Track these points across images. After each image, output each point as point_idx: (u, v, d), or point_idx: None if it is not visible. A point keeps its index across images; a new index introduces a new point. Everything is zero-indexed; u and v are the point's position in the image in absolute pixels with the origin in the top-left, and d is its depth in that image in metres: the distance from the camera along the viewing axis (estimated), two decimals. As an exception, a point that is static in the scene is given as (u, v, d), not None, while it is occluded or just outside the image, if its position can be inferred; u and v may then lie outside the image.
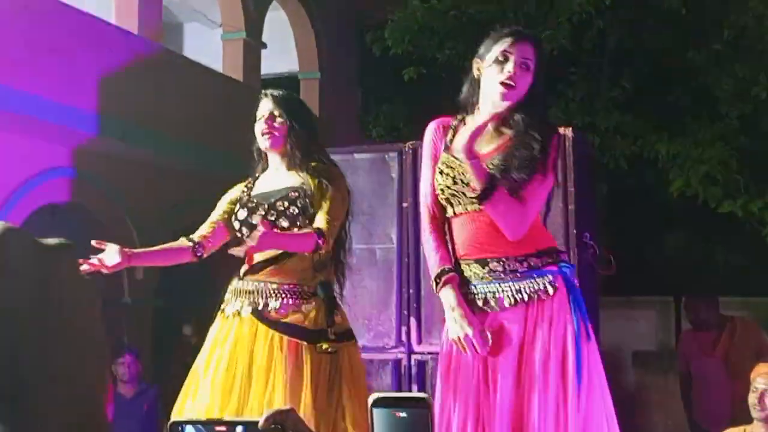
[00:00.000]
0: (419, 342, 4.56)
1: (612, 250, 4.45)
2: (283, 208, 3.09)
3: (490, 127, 2.68)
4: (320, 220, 3.03)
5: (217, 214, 3.27)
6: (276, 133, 3.17)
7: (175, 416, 2.94)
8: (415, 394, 1.81)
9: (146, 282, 9.00)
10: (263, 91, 3.31)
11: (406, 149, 4.71)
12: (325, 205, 3.06)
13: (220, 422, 1.19)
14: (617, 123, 9.48)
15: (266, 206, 3.11)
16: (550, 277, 2.60)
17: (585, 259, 4.30)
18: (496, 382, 2.57)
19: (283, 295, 3.04)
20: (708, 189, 8.99)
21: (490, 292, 2.64)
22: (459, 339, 2.60)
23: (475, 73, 2.73)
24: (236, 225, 3.19)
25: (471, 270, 2.66)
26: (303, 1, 11.69)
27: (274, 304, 3.03)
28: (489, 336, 2.58)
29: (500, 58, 2.65)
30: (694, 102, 9.79)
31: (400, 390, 4.57)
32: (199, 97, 9.22)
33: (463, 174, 2.66)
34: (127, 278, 8.82)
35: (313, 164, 3.17)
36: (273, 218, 3.07)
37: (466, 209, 2.67)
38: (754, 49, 9.14)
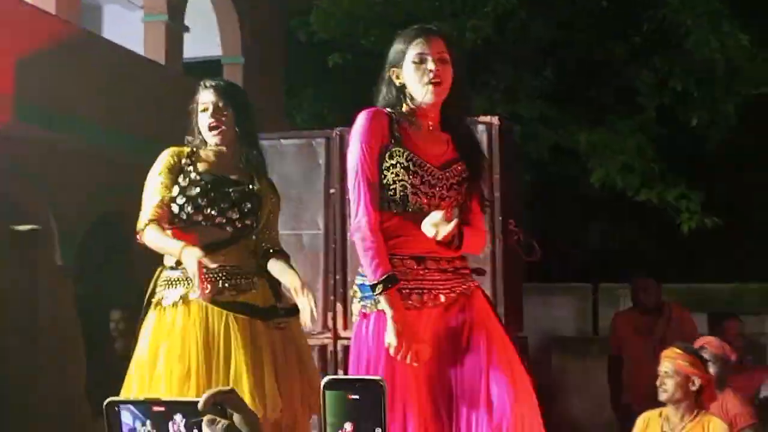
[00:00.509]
0: (345, 327, 4.62)
1: (536, 237, 4.59)
2: (237, 200, 3.12)
3: (430, 125, 2.77)
4: (277, 242, 3.28)
5: (157, 196, 3.09)
6: (223, 126, 3.16)
7: None
8: (370, 376, 1.85)
9: (64, 269, 8.85)
10: (203, 82, 3.23)
11: (334, 135, 4.76)
12: (276, 227, 3.30)
13: (158, 402, 1.16)
14: (540, 113, 9.69)
15: (221, 192, 3.10)
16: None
17: (510, 245, 4.43)
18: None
19: (230, 276, 3.08)
20: (626, 178, 9.28)
21: (426, 289, 2.69)
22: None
23: (395, 81, 2.76)
24: (180, 200, 3.07)
25: (405, 265, 2.69)
26: (227, -16, 11.59)
27: (222, 285, 3.05)
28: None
29: (416, 60, 2.71)
30: (615, 93, 10.07)
31: (326, 375, 4.64)
32: (119, 80, 9.07)
33: (432, 178, 2.70)
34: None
35: (258, 165, 3.22)
36: (225, 207, 3.09)
37: (420, 209, 2.67)
38: (670, 43, 9.46)
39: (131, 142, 8.78)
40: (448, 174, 2.72)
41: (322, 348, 4.68)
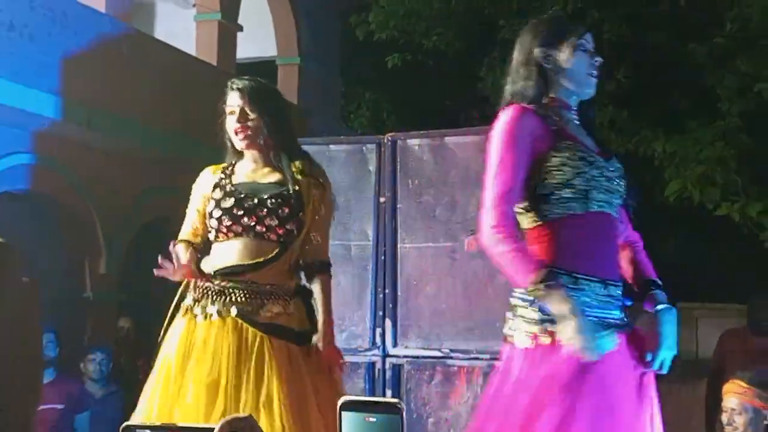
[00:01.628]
0: (394, 345, 4.60)
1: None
2: (274, 206, 3.12)
3: (575, 120, 2.65)
4: (322, 250, 3.21)
5: (195, 215, 3.24)
6: (249, 132, 3.17)
7: (142, 418, 2.96)
8: (387, 398, 1.83)
9: (109, 276, 9.00)
10: (230, 83, 3.22)
11: (385, 141, 4.74)
12: (322, 231, 3.22)
13: (174, 428, 1.25)
14: (612, 118, 9.55)
15: (256, 200, 3.12)
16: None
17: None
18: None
19: (268, 296, 3.09)
20: (705, 190, 9.07)
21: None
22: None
23: (543, 63, 2.60)
24: (216, 213, 3.14)
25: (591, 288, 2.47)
26: (283, -18, 11.70)
27: (259, 304, 3.07)
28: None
29: (586, 48, 2.62)
30: (694, 98, 9.87)
31: (374, 395, 4.61)
32: (169, 81, 9.22)
33: (606, 171, 2.57)
34: (89, 272, 8.83)
35: (297, 163, 3.19)
36: (263, 214, 3.11)
37: (602, 208, 2.52)
38: (757, 43, 9.22)
39: (180, 144, 8.90)
40: (611, 167, 2.59)
41: (370, 366, 4.66)
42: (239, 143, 3.20)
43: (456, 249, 4.52)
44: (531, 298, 2.43)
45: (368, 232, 4.71)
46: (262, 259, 3.09)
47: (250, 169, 3.24)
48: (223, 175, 3.23)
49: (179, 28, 11.07)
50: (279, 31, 12.02)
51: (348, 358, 4.65)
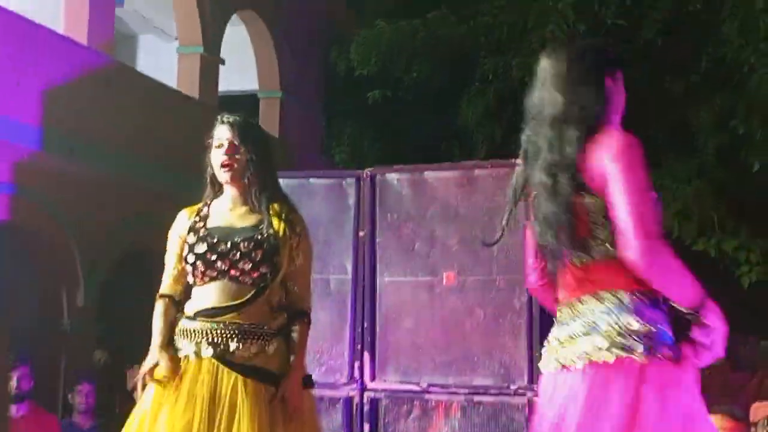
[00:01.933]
0: (372, 379, 4.58)
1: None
2: (247, 250, 3.10)
3: None
4: (300, 298, 3.22)
5: (174, 259, 3.23)
6: (236, 165, 3.16)
7: None
8: None
9: (87, 308, 8.94)
10: (221, 117, 3.24)
11: (365, 175, 4.75)
12: (299, 280, 3.22)
13: None
14: (590, 153, 9.60)
15: (229, 244, 3.11)
16: None
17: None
18: None
19: (246, 336, 3.07)
20: (682, 225, 9.13)
21: None
22: None
23: (609, 84, 2.56)
24: (190, 258, 3.14)
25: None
26: (265, 17, 11.76)
27: (236, 345, 3.05)
28: None
29: None
30: (670, 134, 9.95)
31: (351, 430, 4.60)
32: (150, 113, 9.23)
33: None
34: (66, 303, 8.77)
35: (275, 205, 3.20)
36: (236, 259, 3.10)
37: None
38: (731, 81, 9.34)
39: (160, 176, 8.90)
40: None
41: (348, 400, 4.64)
42: (224, 176, 3.19)
43: (435, 283, 4.52)
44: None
45: (347, 266, 4.71)
46: (237, 302, 3.09)
47: (227, 209, 3.23)
48: (197, 218, 3.22)
49: (162, 60, 11.11)
50: (261, 65, 12.07)
51: (326, 393, 4.65)
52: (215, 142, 3.19)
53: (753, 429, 4.04)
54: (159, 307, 3.19)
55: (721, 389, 5.60)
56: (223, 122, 3.20)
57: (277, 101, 12.13)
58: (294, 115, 12.20)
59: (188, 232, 3.19)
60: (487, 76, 9.66)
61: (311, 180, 4.86)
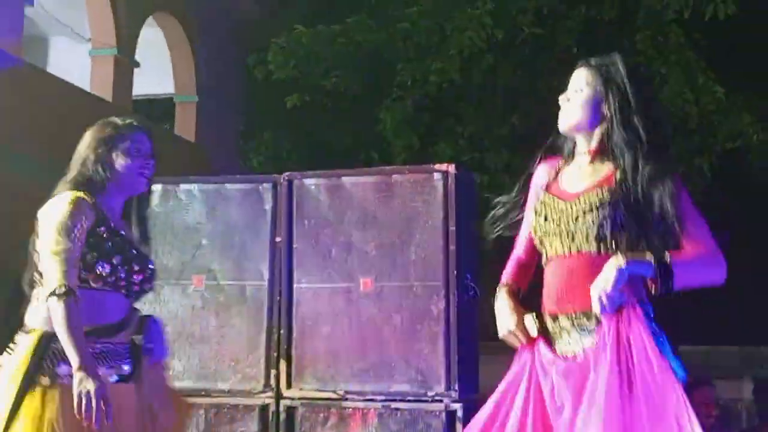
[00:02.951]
0: (289, 386, 4.53)
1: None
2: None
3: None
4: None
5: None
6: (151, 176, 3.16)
7: None
8: None
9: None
10: (140, 126, 3.17)
11: (282, 180, 4.70)
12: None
13: None
14: (506, 162, 9.73)
15: (135, 252, 3.09)
16: None
17: (465, 300, 4.39)
18: None
19: None
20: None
21: None
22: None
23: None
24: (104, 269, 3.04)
25: None
26: (181, 19, 11.59)
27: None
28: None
29: None
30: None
31: (267, 438, 4.53)
32: (62, 116, 9.00)
33: None
34: None
35: None
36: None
37: None
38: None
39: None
40: None
41: (263, 408, 4.57)
42: (140, 186, 3.15)
43: (352, 290, 4.49)
44: None
45: (264, 272, 4.65)
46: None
47: (117, 215, 3.24)
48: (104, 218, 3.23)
49: (74, 62, 10.85)
50: (177, 69, 11.89)
51: (241, 401, 4.58)
52: (134, 151, 3.12)
53: None
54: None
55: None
56: (141, 130, 3.16)
57: (194, 105, 11.96)
58: (211, 119, 12.05)
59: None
60: (406, 82, 9.71)
61: (227, 185, 4.79)
